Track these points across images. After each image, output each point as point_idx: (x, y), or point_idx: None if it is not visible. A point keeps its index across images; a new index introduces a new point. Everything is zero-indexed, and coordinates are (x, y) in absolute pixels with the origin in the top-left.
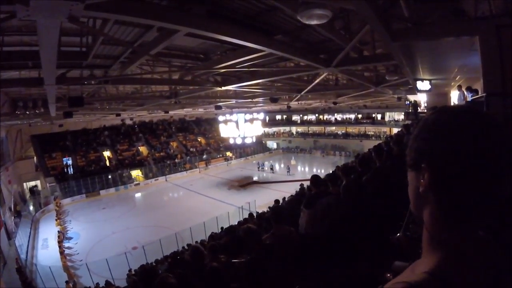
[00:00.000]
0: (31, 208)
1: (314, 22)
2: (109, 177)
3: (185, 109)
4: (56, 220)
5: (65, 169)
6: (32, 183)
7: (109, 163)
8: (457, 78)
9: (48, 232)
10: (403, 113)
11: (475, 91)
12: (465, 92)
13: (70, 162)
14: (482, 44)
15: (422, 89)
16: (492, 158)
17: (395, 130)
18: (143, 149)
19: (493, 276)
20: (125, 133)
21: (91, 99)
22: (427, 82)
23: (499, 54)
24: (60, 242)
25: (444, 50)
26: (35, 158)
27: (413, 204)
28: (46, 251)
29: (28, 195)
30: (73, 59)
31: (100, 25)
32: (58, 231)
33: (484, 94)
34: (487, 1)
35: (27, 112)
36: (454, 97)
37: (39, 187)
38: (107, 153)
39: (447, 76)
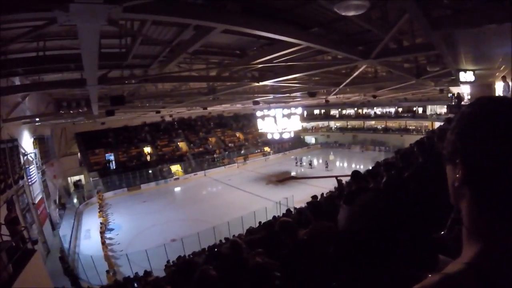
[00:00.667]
0: (75, 201)
1: (351, 13)
2: (150, 171)
3: (223, 105)
4: (98, 212)
5: (108, 165)
6: (76, 178)
7: (150, 158)
8: (502, 68)
9: (91, 223)
10: (445, 106)
11: None
12: (510, 83)
13: (112, 157)
14: None
15: (465, 80)
16: None
17: (437, 124)
18: (182, 145)
19: None
20: (164, 129)
21: (132, 97)
22: (470, 72)
23: None
24: (102, 233)
25: (487, 38)
26: (79, 154)
27: (452, 197)
28: (88, 241)
29: (72, 189)
30: (114, 60)
31: (139, 26)
32: (101, 223)
33: None
34: None
35: (71, 111)
36: (499, 88)
37: (83, 182)
38: (147, 149)
39: (491, 66)
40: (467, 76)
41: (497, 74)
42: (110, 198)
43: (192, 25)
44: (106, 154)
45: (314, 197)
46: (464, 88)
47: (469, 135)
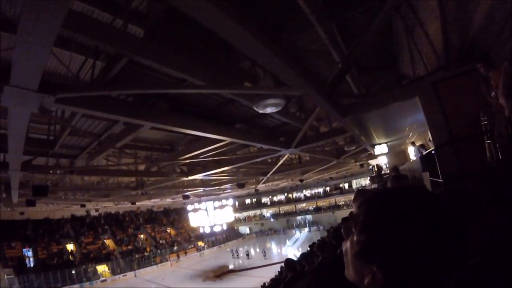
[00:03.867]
0: None
1: (269, 110)
2: (73, 272)
3: (152, 200)
4: None
5: (25, 261)
6: None
7: (73, 257)
8: (410, 135)
9: None
10: (368, 178)
11: (422, 146)
12: (419, 149)
13: (30, 253)
14: (423, 103)
15: (380, 152)
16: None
17: None
18: (109, 242)
19: None
20: (90, 224)
21: (56, 188)
22: (384, 145)
23: (440, 108)
24: None
25: (392, 114)
26: None
27: (349, 274)
28: None
29: None
30: (40, 147)
31: (69, 116)
32: None
33: (432, 148)
34: (422, 62)
35: None
36: (411, 152)
37: None
38: (70, 246)
39: (401, 136)
40: (381, 148)
41: (407, 141)
42: None
43: (121, 121)
44: (24, 249)
45: None
46: (381, 159)
47: (384, 246)
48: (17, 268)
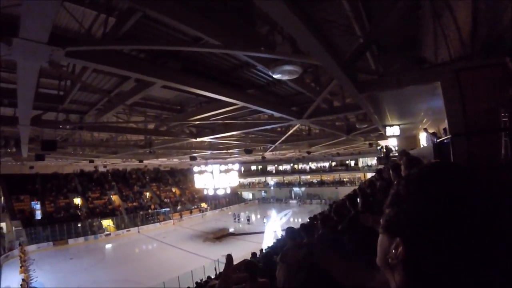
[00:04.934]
0: None
1: (285, 77)
2: (79, 225)
3: (159, 159)
4: (20, 267)
5: (33, 214)
6: None
7: (79, 211)
8: (424, 121)
9: (11, 279)
10: (375, 158)
11: (434, 134)
12: (431, 136)
13: (38, 206)
14: (444, 89)
15: (391, 134)
16: (463, 241)
17: (369, 175)
18: (115, 198)
19: None
20: (97, 180)
21: (65, 143)
22: (396, 127)
23: (460, 97)
24: None
25: (409, 97)
26: (2, 198)
27: (380, 262)
28: None
29: None
30: (50, 102)
31: (79, 71)
32: (22, 279)
33: (449, 136)
34: (446, 47)
35: None
36: (423, 139)
37: (4, 230)
38: (77, 200)
39: (414, 120)
40: (393, 130)
41: (420, 126)
42: (34, 252)
43: (133, 77)
44: (32, 202)
45: (254, 254)
46: (391, 140)
47: (411, 218)
48: (24, 221)
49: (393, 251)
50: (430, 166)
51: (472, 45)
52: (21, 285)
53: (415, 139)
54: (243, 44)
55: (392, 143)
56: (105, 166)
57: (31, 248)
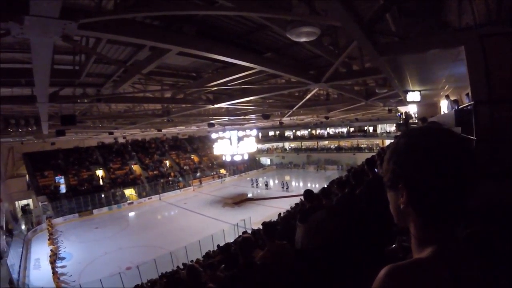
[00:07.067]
0: (23, 227)
1: (303, 39)
2: (102, 196)
3: (177, 127)
4: (48, 239)
5: (57, 188)
6: (24, 202)
7: (102, 182)
8: (445, 88)
9: (40, 252)
10: (394, 125)
11: (455, 102)
12: (452, 104)
13: (62, 181)
14: (468, 54)
15: (411, 100)
16: (453, 174)
17: (387, 142)
18: (136, 168)
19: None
20: (117, 151)
21: (84, 117)
22: (417, 93)
23: (484, 63)
24: (52, 263)
25: (431, 61)
26: (27, 176)
27: (396, 219)
28: (38, 272)
29: (20, 214)
30: (66, 77)
31: (93, 44)
32: (51, 251)
33: (472, 102)
34: (470, 12)
35: (19, 130)
36: (444, 106)
37: (31, 206)
38: (99, 172)
39: (436, 86)
40: (413, 96)
41: (441, 93)
42: (60, 225)
43: (147, 46)
44: (56, 177)
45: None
46: (411, 107)
47: (407, 163)
48: (50, 195)
49: (401, 198)
50: (419, 129)
51: (498, 11)
52: (50, 256)
53: (435, 106)
54: (258, 6)
55: (412, 109)
56: (124, 137)
57: (57, 221)
